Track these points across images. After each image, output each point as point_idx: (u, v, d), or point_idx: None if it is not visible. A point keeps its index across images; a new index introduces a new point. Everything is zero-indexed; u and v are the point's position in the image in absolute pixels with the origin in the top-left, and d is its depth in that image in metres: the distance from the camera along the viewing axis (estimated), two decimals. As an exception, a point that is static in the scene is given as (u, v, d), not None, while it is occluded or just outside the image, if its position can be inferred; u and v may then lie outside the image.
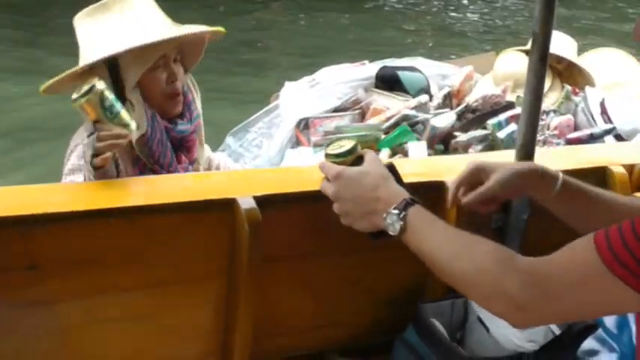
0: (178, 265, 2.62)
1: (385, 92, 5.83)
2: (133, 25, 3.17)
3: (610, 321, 2.97)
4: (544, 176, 2.39)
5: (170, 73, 3.23)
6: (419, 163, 3.79)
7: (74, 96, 2.75)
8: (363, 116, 5.68)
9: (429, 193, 2.74)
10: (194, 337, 2.76)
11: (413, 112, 5.45)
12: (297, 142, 5.64)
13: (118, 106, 2.77)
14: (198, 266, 2.65)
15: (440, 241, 2.02)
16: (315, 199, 2.57)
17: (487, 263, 1.91)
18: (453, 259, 1.98)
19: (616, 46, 6.79)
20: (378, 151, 5.16)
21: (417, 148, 5.04)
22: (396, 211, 2.05)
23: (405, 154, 5.04)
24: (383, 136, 5.28)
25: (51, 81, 3.21)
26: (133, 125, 2.80)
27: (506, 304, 1.88)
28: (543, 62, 2.84)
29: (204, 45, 3.38)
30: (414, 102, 5.60)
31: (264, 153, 5.79)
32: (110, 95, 2.75)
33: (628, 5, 15.66)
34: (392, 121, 5.39)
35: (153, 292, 2.61)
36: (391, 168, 2.23)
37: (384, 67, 6.03)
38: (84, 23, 3.24)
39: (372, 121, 5.50)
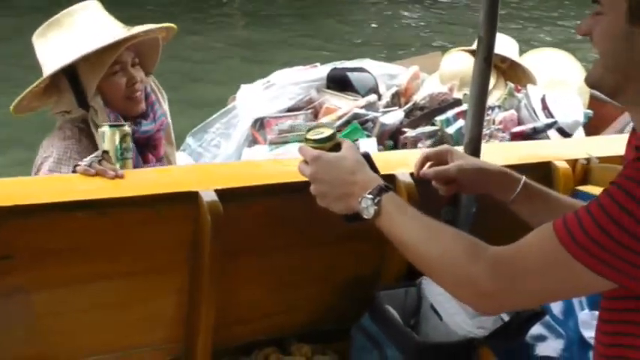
0: (144, 256, 2.62)
1: (336, 92, 5.82)
2: (84, 33, 3.14)
3: (557, 308, 2.97)
4: (506, 178, 2.42)
5: (129, 77, 3.21)
6: (375, 157, 3.71)
7: (106, 125, 2.93)
8: (315, 115, 5.67)
9: None
10: (159, 325, 2.77)
11: (363, 111, 5.45)
12: (253, 141, 5.63)
13: (130, 155, 2.92)
14: (163, 257, 2.66)
15: (411, 228, 2.03)
16: (274, 193, 2.73)
17: (455, 251, 1.92)
18: (423, 245, 1.99)
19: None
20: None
21: (368, 144, 5.04)
22: (370, 196, 2.07)
23: (357, 151, 4.96)
24: (335, 134, 5.20)
25: (18, 99, 3.21)
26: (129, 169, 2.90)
27: (473, 291, 1.90)
28: (488, 63, 2.87)
29: (159, 46, 3.36)
30: (363, 101, 5.60)
31: (222, 152, 5.77)
32: (130, 143, 2.92)
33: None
34: (343, 119, 5.39)
35: (120, 283, 2.62)
36: (366, 156, 2.25)
37: (335, 69, 6.03)
38: (40, 41, 3.22)
39: (324, 119, 5.50)
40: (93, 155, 2.72)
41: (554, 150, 3.57)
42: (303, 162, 2.23)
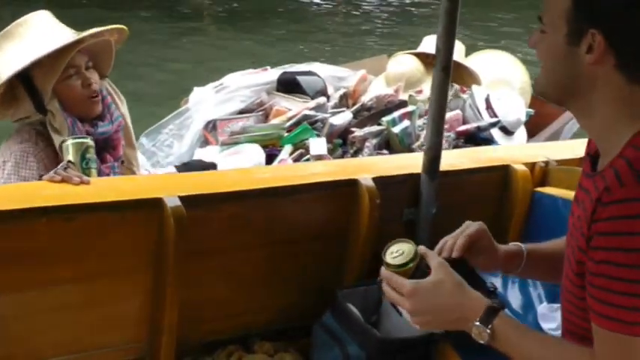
0: (110, 259, 2.62)
1: (286, 95, 5.78)
2: (35, 40, 3.13)
3: (516, 302, 2.95)
4: (513, 255, 2.34)
5: (84, 79, 3.19)
6: (335, 164, 3.92)
7: (69, 138, 2.97)
8: (266, 117, 5.64)
9: (343, 190, 2.89)
10: (125, 324, 2.76)
11: (312, 112, 5.41)
12: (205, 142, 5.58)
13: (94, 165, 2.98)
14: (129, 260, 2.66)
15: (530, 351, 1.95)
16: (237, 198, 2.74)
17: None
18: None
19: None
20: (281, 147, 5.13)
21: (317, 143, 5.00)
22: (480, 323, 1.96)
23: (307, 150, 5.00)
24: (285, 134, 5.22)
25: None
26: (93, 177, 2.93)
27: None
28: (447, 73, 2.87)
29: (112, 49, 3.34)
30: (312, 103, 5.56)
31: (175, 152, 5.70)
32: (93, 153, 2.98)
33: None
34: (293, 120, 5.35)
35: (86, 285, 2.60)
36: (462, 263, 2.15)
37: (285, 72, 5.99)
38: None
39: (275, 121, 5.46)
40: (59, 166, 2.74)
41: (512, 154, 3.55)
42: (394, 291, 2.06)
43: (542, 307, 2.89)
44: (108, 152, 3.28)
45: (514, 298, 2.96)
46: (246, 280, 2.90)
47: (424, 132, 5.11)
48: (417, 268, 2.05)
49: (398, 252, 2.07)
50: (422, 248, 2.09)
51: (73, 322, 2.64)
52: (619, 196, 1.74)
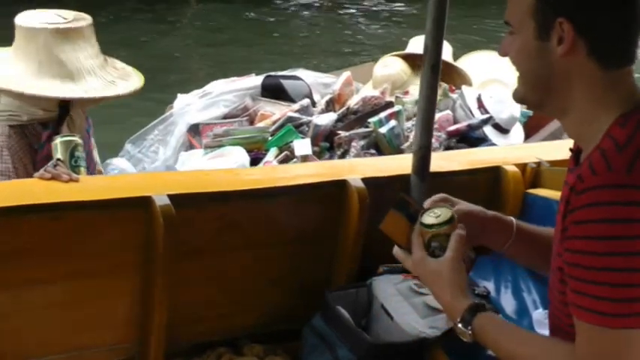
0: (99, 257, 2.62)
1: (271, 100, 5.74)
2: (88, 75, 3.15)
3: (510, 307, 2.92)
4: (500, 224, 2.31)
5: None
6: (324, 165, 3.94)
7: (59, 137, 2.99)
8: (251, 122, 5.62)
9: (333, 191, 2.87)
10: (113, 324, 2.76)
11: (297, 115, 5.39)
12: (189, 146, 5.58)
13: (83, 163, 2.98)
14: (117, 258, 2.65)
15: (512, 347, 1.96)
16: (225, 199, 2.73)
17: None
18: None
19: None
20: (266, 151, 5.09)
21: (302, 144, 4.95)
22: (462, 322, 2.00)
23: (292, 152, 4.95)
24: (270, 137, 5.18)
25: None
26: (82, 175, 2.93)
27: None
28: (435, 71, 2.85)
29: None
30: (297, 106, 5.53)
31: (160, 157, 5.73)
32: (82, 152, 2.99)
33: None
34: (278, 123, 5.33)
35: (75, 283, 2.60)
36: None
37: (269, 77, 5.97)
38: (51, 41, 3.13)
39: (260, 124, 5.45)
40: (49, 163, 2.77)
41: (503, 154, 3.54)
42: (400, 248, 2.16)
43: (538, 314, 2.84)
44: None
45: (508, 303, 2.95)
46: (236, 281, 2.88)
47: (413, 133, 5.04)
48: (435, 238, 2.08)
49: (437, 214, 2.11)
50: (460, 227, 2.10)
51: (61, 322, 2.63)
52: (591, 183, 1.73)
